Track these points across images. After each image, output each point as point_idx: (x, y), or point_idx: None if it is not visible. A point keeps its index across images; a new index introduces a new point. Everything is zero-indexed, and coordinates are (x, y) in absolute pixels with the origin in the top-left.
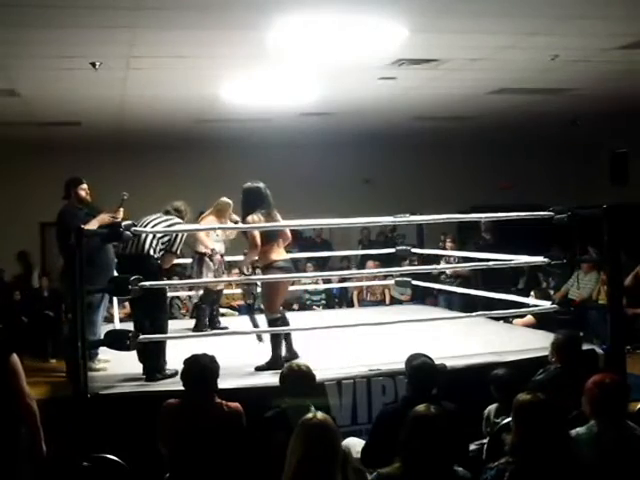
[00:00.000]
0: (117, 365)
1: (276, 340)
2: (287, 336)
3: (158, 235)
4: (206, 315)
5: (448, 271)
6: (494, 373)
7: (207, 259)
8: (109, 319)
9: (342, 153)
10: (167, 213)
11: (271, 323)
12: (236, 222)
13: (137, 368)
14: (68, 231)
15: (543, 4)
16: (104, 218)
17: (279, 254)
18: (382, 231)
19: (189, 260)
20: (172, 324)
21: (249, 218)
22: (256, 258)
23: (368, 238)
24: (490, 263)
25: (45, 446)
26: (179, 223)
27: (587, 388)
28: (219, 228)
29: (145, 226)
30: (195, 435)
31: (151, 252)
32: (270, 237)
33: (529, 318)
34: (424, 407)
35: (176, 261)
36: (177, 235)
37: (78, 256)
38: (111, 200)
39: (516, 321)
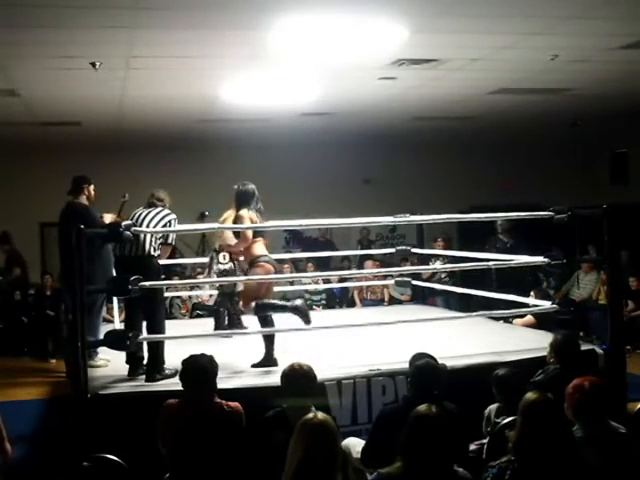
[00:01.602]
0: (117, 365)
1: (269, 338)
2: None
3: (155, 235)
4: (224, 317)
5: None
6: (495, 373)
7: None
8: (108, 320)
9: (342, 153)
10: (151, 205)
11: (260, 319)
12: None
13: None
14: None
15: (543, 4)
16: (109, 218)
17: (263, 250)
18: (380, 233)
19: (189, 260)
20: (173, 324)
21: (243, 212)
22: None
23: (367, 238)
24: (490, 263)
25: (10, 445)
26: (170, 214)
27: (567, 393)
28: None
29: (140, 224)
30: (195, 435)
31: (152, 252)
32: (258, 235)
33: (529, 318)
34: (425, 407)
35: (176, 261)
36: (170, 226)
37: (78, 256)
38: (111, 200)
39: (516, 321)
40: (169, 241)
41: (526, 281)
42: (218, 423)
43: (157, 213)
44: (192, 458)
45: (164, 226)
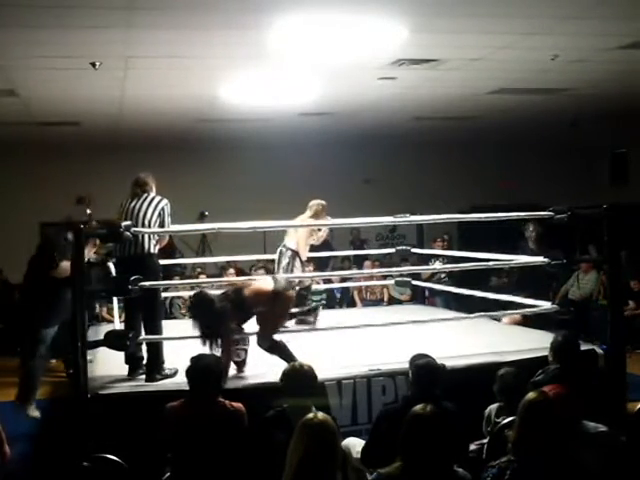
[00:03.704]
0: (117, 365)
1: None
2: None
3: (151, 223)
4: None
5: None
6: (497, 373)
7: (298, 258)
8: (109, 320)
9: (342, 153)
10: (135, 195)
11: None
12: None
13: None
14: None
15: (542, 4)
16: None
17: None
18: (380, 233)
19: (189, 260)
20: (173, 324)
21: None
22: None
23: (359, 238)
24: (490, 263)
25: (8, 448)
26: (161, 200)
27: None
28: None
29: (135, 219)
30: (197, 433)
31: (151, 249)
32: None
33: (515, 316)
34: (421, 407)
35: (176, 261)
36: (164, 213)
37: (78, 256)
38: (109, 200)
39: (505, 319)
40: (165, 227)
41: (545, 283)
42: (220, 422)
43: (149, 203)
44: (193, 457)
45: (159, 215)
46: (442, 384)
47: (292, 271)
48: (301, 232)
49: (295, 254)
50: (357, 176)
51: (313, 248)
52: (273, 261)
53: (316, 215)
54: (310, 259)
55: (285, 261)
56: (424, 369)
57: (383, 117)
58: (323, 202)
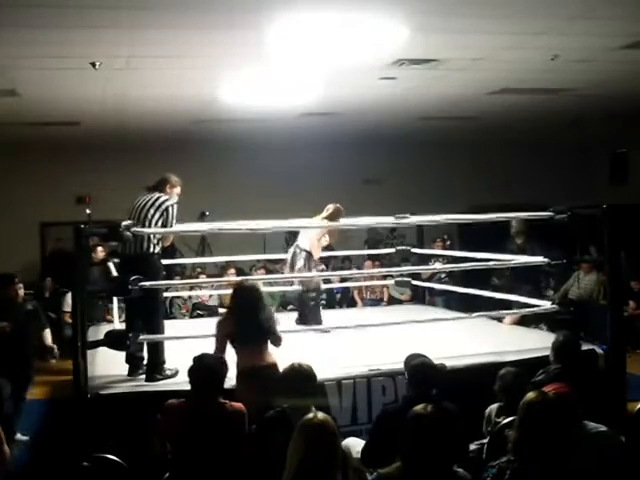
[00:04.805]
0: (117, 365)
1: None
2: None
3: (153, 222)
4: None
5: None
6: (498, 373)
7: (312, 258)
8: (109, 320)
9: (344, 153)
10: (145, 194)
11: None
12: None
13: None
14: None
15: (543, 4)
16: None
17: None
18: (380, 233)
19: (189, 260)
20: (173, 324)
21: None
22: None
23: (374, 238)
24: (490, 263)
25: (8, 447)
26: (166, 200)
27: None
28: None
29: (137, 217)
30: (196, 433)
31: (151, 249)
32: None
33: (515, 316)
34: (421, 407)
35: (176, 261)
36: (167, 213)
37: (79, 257)
38: (109, 200)
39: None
40: (168, 227)
41: (540, 281)
42: (221, 423)
43: (153, 202)
44: (193, 457)
45: (161, 214)
46: (440, 384)
47: (310, 272)
48: (314, 232)
49: (309, 255)
50: (360, 176)
51: None
52: (273, 261)
53: (330, 217)
54: (320, 259)
55: (300, 262)
56: (419, 369)
57: (385, 117)
58: (340, 207)
